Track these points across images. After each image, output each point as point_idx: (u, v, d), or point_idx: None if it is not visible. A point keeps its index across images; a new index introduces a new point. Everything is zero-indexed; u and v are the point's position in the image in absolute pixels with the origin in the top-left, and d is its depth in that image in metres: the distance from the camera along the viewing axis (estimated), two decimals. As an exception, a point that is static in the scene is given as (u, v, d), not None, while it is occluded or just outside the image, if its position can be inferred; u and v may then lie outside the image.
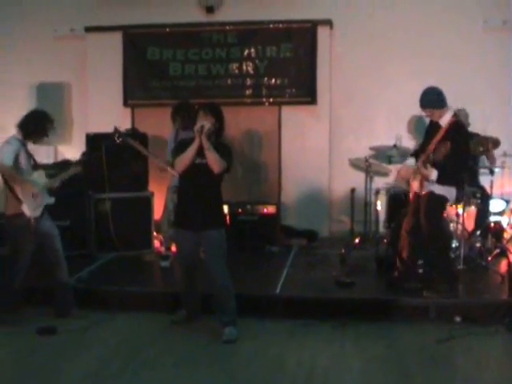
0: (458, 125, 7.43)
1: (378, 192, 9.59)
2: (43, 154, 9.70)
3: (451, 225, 8.54)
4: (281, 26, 10.79)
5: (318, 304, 7.38)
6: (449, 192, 7.50)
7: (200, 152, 6.58)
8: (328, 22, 10.72)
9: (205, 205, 6.65)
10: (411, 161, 7.83)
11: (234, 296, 6.73)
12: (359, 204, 9.96)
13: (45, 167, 7.71)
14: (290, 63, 10.76)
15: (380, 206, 9.56)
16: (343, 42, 10.85)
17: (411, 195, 7.83)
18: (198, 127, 6.51)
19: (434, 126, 7.60)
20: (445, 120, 7.43)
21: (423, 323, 7.01)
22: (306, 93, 10.73)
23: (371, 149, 9.64)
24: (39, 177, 7.18)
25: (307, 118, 10.77)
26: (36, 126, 7.12)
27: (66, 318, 7.23)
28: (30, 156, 7.16)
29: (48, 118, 7.24)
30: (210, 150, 6.51)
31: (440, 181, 7.33)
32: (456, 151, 7.08)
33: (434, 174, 7.28)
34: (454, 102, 9.84)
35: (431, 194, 7.43)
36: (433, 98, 7.46)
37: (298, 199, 10.85)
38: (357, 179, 10.20)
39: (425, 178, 7.41)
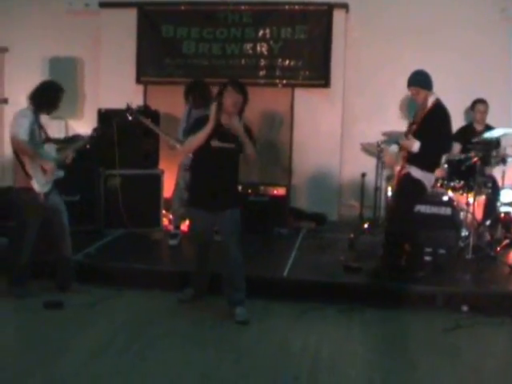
0: (440, 107, 7.50)
1: (388, 178, 9.57)
2: (54, 128, 9.69)
3: (461, 213, 8.54)
4: (296, 7, 10.73)
5: (325, 288, 7.39)
6: (427, 178, 7.54)
7: (219, 135, 6.51)
8: (344, 6, 10.66)
9: (223, 186, 6.64)
10: (394, 146, 7.94)
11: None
12: (369, 189, 9.95)
13: (56, 141, 7.71)
14: (304, 45, 10.71)
15: (390, 191, 9.55)
16: (358, 27, 10.80)
17: (396, 179, 7.89)
18: (233, 101, 6.47)
19: (417, 110, 7.77)
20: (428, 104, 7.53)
21: (430, 311, 7.02)
22: (320, 75, 10.68)
23: (383, 134, 9.61)
24: (50, 150, 7.17)
25: (320, 101, 10.73)
26: (48, 97, 7.11)
27: (66, 291, 7.27)
28: (41, 128, 7.15)
29: (59, 88, 7.24)
30: (248, 143, 6.56)
31: (418, 164, 7.40)
32: (435, 133, 7.31)
33: (416, 144, 7.36)
34: (470, 93, 9.92)
35: (408, 176, 7.51)
36: (421, 78, 7.56)
37: (309, 182, 10.83)
38: (368, 164, 10.20)
39: (407, 150, 7.51)
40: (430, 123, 7.38)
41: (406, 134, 7.64)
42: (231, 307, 6.73)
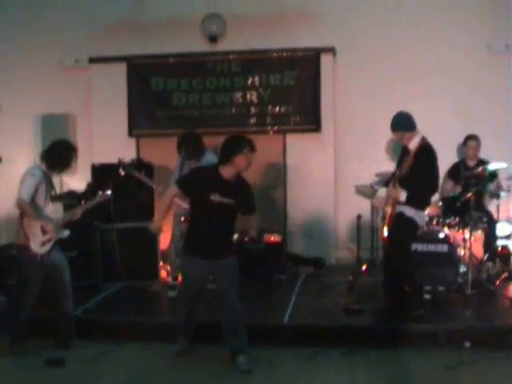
0: (426, 148, 7.56)
1: (384, 218, 9.59)
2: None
3: (458, 250, 8.55)
4: (284, 54, 10.86)
5: (326, 332, 7.36)
6: (419, 216, 7.62)
7: (220, 190, 6.48)
8: (331, 50, 10.80)
9: (221, 235, 6.66)
10: (383, 190, 8.03)
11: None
12: (366, 231, 9.96)
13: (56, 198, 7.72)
14: (293, 91, 10.82)
15: (386, 231, 9.56)
16: (347, 69, 10.92)
17: (387, 221, 7.94)
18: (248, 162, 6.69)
19: (404, 151, 7.83)
20: (414, 144, 7.60)
21: (432, 349, 6.98)
22: (311, 120, 10.77)
23: (377, 175, 9.67)
24: (57, 210, 7.18)
25: (312, 145, 10.80)
26: (61, 156, 7.10)
27: (67, 349, 7.21)
28: (51, 187, 7.15)
29: (72, 148, 7.22)
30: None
31: (409, 203, 7.48)
32: (424, 175, 7.40)
33: (403, 194, 7.45)
34: (457, 123, 10.04)
35: (400, 215, 7.58)
36: (402, 122, 7.66)
37: (305, 227, 10.86)
38: (363, 206, 10.22)
39: (395, 200, 7.59)
40: (417, 166, 7.45)
41: (393, 181, 7.69)
42: (233, 356, 6.69)
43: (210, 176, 6.62)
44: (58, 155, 7.09)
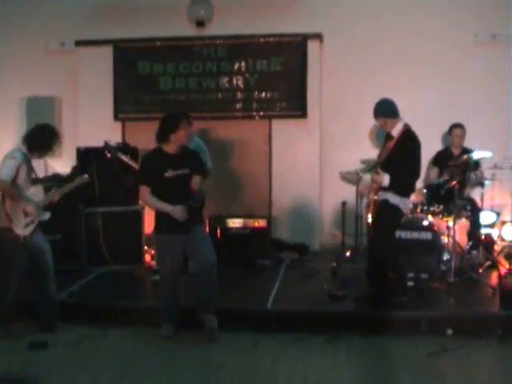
0: (409, 134, 7.61)
1: (368, 205, 9.62)
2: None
3: (442, 237, 8.60)
4: (271, 39, 10.83)
5: (309, 318, 7.40)
6: (403, 203, 7.64)
7: (173, 164, 6.88)
8: (318, 36, 10.77)
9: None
10: (367, 176, 8.06)
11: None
12: (350, 217, 9.98)
13: (39, 181, 7.71)
14: (280, 77, 10.79)
15: (371, 218, 9.59)
16: (333, 55, 10.92)
17: (372, 207, 8.00)
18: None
19: (387, 138, 7.88)
20: (397, 130, 7.64)
21: (415, 336, 7.02)
22: (297, 106, 10.76)
23: (362, 162, 9.70)
24: (37, 192, 7.18)
25: (297, 131, 10.80)
26: (42, 140, 7.10)
27: (51, 332, 7.22)
28: (31, 170, 7.15)
29: (55, 132, 7.21)
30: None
31: (394, 190, 7.51)
32: (406, 160, 7.45)
33: (386, 178, 7.49)
34: (443, 112, 10.10)
35: (385, 202, 7.62)
36: (386, 108, 7.68)
37: (289, 213, 10.86)
38: (348, 192, 10.23)
39: (379, 185, 7.63)
40: (400, 151, 7.49)
41: (376, 166, 7.73)
42: (201, 315, 6.96)
43: (157, 157, 6.98)
44: (40, 139, 7.10)
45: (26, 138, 7.10)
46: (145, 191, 7.00)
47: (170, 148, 6.94)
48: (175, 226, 6.82)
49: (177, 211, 6.79)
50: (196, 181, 6.85)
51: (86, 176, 7.75)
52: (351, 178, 9.93)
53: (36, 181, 7.28)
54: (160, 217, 7.03)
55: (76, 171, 8.47)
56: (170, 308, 7.20)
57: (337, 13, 10.91)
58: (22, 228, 6.97)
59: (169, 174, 6.85)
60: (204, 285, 6.92)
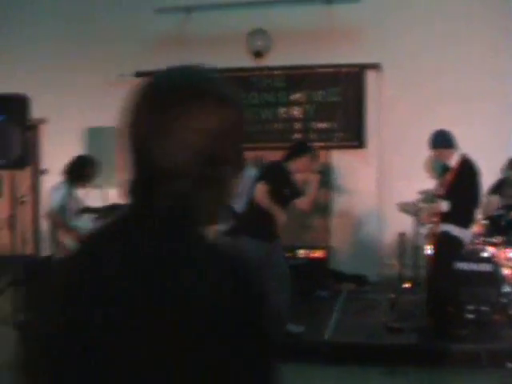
0: (467, 164, 7.60)
1: (427, 236, 9.53)
2: (92, 197, 9.80)
3: (502, 269, 8.46)
4: (329, 70, 10.87)
5: (367, 350, 7.34)
6: (464, 234, 7.61)
7: (290, 183, 7.61)
8: (376, 66, 10.77)
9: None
10: (427, 206, 8.13)
11: None
12: (408, 248, 9.90)
13: (94, 210, 7.83)
14: (338, 107, 10.82)
15: (430, 250, 9.49)
16: (392, 86, 10.86)
17: (431, 239, 7.98)
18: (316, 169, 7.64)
19: (445, 168, 7.92)
20: (455, 161, 7.66)
21: (474, 370, 6.92)
22: (354, 137, 10.75)
23: (420, 193, 9.62)
24: (86, 221, 7.30)
25: (356, 161, 10.78)
26: (81, 171, 7.28)
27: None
28: (77, 200, 7.29)
29: (92, 163, 7.38)
30: (316, 189, 7.69)
31: (453, 221, 7.49)
32: (466, 190, 7.50)
33: (444, 204, 7.53)
34: (498, 146, 9.97)
35: (445, 233, 7.59)
36: (440, 139, 7.71)
37: (348, 243, 10.83)
38: (407, 223, 10.15)
39: (438, 213, 7.66)
40: (459, 182, 7.48)
41: (434, 197, 7.74)
42: None
43: (284, 171, 7.64)
44: (79, 170, 7.27)
45: (66, 171, 7.28)
46: (264, 190, 7.40)
47: (293, 167, 7.59)
48: (267, 232, 7.34)
49: (284, 216, 7.35)
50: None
51: None
52: (409, 209, 9.85)
53: (86, 210, 7.41)
54: (256, 220, 7.48)
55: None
56: None
57: (396, 43, 10.88)
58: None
59: (287, 192, 7.48)
60: (278, 290, 7.11)
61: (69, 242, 7.04)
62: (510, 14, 10.63)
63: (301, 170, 7.55)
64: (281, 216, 7.34)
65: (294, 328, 7.32)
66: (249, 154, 9.02)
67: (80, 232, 7.11)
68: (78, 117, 11.72)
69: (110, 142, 11.52)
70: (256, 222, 7.56)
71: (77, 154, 7.72)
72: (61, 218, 7.01)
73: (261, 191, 7.45)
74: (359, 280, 10.26)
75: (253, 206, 7.60)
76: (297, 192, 7.59)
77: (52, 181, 7.50)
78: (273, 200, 7.37)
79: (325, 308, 9.01)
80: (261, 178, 7.60)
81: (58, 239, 7.10)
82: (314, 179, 7.56)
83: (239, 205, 8.24)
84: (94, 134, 11.76)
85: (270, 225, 7.38)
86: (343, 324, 8.18)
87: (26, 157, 8.38)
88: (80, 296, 1.52)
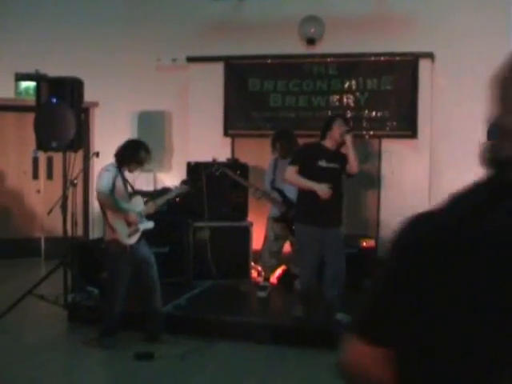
0: None
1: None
2: (143, 180, 9.86)
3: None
4: (382, 58, 10.77)
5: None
6: None
7: (328, 156, 7.44)
8: (430, 55, 10.65)
9: (329, 204, 7.30)
10: None
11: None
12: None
13: (144, 194, 7.89)
14: (390, 96, 10.72)
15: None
16: (445, 75, 10.75)
17: None
18: (343, 130, 7.48)
19: None
20: None
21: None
22: (407, 126, 10.66)
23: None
24: (137, 203, 7.34)
25: (407, 151, 10.69)
26: (131, 155, 7.31)
27: (155, 343, 7.35)
28: (126, 183, 7.33)
29: (143, 147, 7.40)
30: (353, 150, 7.45)
31: None
32: None
33: None
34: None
35: None
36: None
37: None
38: (457, 215, 10.07)
39: None
40: None
41: None
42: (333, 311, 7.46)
43: (315, 148, 7.65)
44: (130, 154, 7.31)
45: (116, 153, 7.34)
46: (292, 170, 7.53)
47: (328, 143, 7.54)
48: (312, 219, 7.27)
49: (323, 189, 7.27)
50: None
51: (185, 186, 7.90)
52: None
53: (135, 193, 7.46)
54: (300, 207, 7.62)
55: (190, 182, 8.62)
56: (307, 292, 7.65)
57: (450, 32, 10.75)
58: (126, 237, 7.12)
59: (322, 163, 7.41)
60: (331, 287, 7.47)
61: (118, 224, 7.08)
62: None
63: (338, 139, 7.53)
64: (323, 191, 7.27)
65: (343, 317, 7.28)
66: (300, 141, 9.00)
67: (129, 215, 7.15)
68: (129, 100, 11.79)
69: (160, 126, 11.65)
70: (300, 206, 7.67)
71: (128, 138, 7.75)
72: (111, 199, 7.04)
73: (289, 172, 7.60)
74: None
75: (299, 192, 7.70)
76: (339, 160, 7.56)
77: (103, 164, 7.53)
78: (308, 177, 7.43)
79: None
80: (290, 162, 7.74)
81: (107, 222, 7.15)
82: (347, 140, 7.48)
83: (290, 189, 8.26)
84: (145, 118, 11.83)
85: (315, 208, 7.34)
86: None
87: (79, 139, 8.48)
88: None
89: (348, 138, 7.45)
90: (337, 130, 7.51)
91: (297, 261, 8.28)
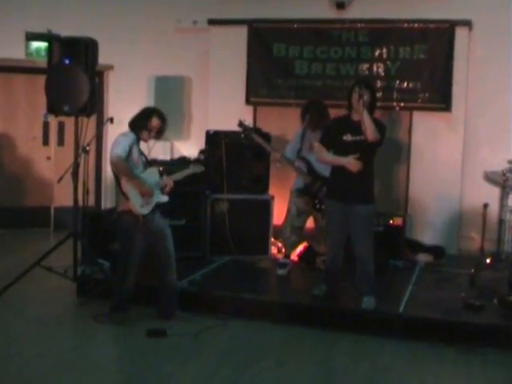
0: None
1: (514, 209, 9.41)
2: (159, 149, 9.84)
3: None
4: (416, 25, 10.67)
5: (442, 326, 7.26)
6: None
7: (353, 129, 7.36)
8: (467, 23, 10.52)
9: (357, 179, 7.37)
10: None
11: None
12: (492, 221, 9.78)
13: (161, 163, 7.88)
14: (423, 66, 10.63)
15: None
16: (483, 45, 10.63)
17: None
18: (357, 96, 7.28)
19: None
20: None
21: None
22: (441, 98, 10.57)
23: (509, 162, 9.46)
24: (151, 174, 7.31)
25: (440, 125, 10.62)
26: (142, 123, 7.26)
27: (169, 319, 7.38)
28: (141, 153, 7.31)
29: (156, 115, 7.33)
30: (367, 116, 7.22)
31: None
32: None
33: None
34: None
35: None
36: None
37: (426, 212, 10.71)
38: (491, 194, 10.04)
39: None
40: None
41: None
42: (360, 296, 7.57)
43: (342, 122, 7.62)
44: (139, 120, 7.25)
45: (132, 121, 7.30)
46: (322, 149, 7.60)
47: (354, 115, 7.46)
48: (340, 193, 7.42)
49: (352, 162, 7.30)
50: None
51: (202, 166, 7.88)
52: (496, 179, 9.72)
53: (149, 164, 7.44)
54: (330, 182, 7.76)
55: (204, 155, 8.62)
56: (331, 271, 7.77)
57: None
58: (139, 207, 7.11)
59: (347, 137, 7.40)
60: (360, 272, 7.57)
61: (132, 193, 7.07)
62: None
63: (360, 108, 7.30)
64: (350, 163, 7.29)
65: (368, 304, 7.35)
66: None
67: (143, 186, 7.14)
68: (146, 64, 11.80)
69: (178, 91, 11.63)
70: (331, 182, 7.72)
71: (143, 105, 7.71)
72: (127, 164, 7.01)
73: (319, 152, 7.69)
74: (436, 252, 10.15)
75: (332, 169, 7.72)
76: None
77: (117, 131, 7.51)
78: (335, 153, 7.49)
79: (400, 279, 8.95)
80: (320, 139, 7.73)
81: (120, 190, 7.13)
82: (359, 105, 7.26)
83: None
84: (162, 83, 11.82)
85: (342, 183, 7.40)
86: (419, 297, 8.10)
87: (92, 104, 8.44)
88: None
89: (360, 103, 7.27)
90: (355, 98, 7.36)
91: (321, 237, 8.30)
